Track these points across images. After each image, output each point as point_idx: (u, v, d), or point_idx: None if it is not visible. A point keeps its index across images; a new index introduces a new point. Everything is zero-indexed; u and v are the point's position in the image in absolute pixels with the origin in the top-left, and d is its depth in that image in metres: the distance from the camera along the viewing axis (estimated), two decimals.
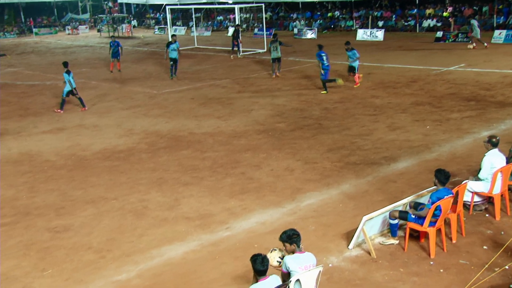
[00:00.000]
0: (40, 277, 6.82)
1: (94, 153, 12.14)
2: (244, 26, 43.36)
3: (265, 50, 29.28)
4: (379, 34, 33.48)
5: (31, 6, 56.79)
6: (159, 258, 7.17)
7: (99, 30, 50.43)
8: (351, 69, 18.48)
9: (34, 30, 51.52)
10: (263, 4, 32.96)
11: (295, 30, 39.21)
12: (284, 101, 16.48)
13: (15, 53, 35.62)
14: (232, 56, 27.94)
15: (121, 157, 11.81)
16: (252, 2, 40.69)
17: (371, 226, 7.18)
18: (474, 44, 25.74)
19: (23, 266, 7.14)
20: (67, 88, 16.25)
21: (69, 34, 51.65)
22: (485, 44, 25.20)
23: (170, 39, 21.89)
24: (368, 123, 13.52)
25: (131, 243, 7.65)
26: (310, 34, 37.30)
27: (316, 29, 38.22)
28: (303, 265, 5.30)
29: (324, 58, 17.52)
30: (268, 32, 36.41)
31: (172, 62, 21.58)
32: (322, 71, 17.46)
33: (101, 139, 13.33)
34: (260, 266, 4.98)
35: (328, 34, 38.49)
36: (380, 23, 38.02)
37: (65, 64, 16.52)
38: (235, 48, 28.37)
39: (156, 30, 48.46)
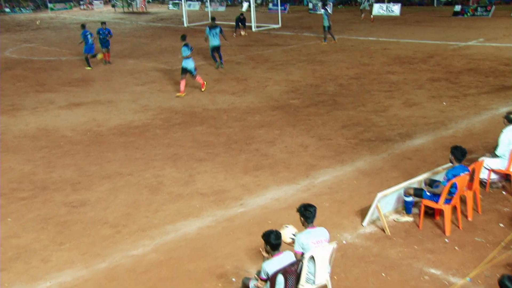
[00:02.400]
0: (58, 250, 6.95)
1: (110, 129, 12.22)
2: (259, 1, 42.88)
3: (280, 25, 29.01)
4: (396, 9, 32.94)
5: None
6: (175, 233, 7.25)
7: (113, 6, 50.29)
8: (182, 71, 14.97)
9: (49, 5, 51.50)
10: None
11: (310, 5, 38.70)
12: (298, 77, 16.36)
13: (31, 29, 35.70)
14: (242, 33, 27.46)
15: (136, 132, 11.87)
16: None
17: (386, 203, 7.17)
18: None
19: (41, 239, 7.27)
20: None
21: (84, 9, 51.56)
22: None
23: (211, 22, 18.96)
24: (384, 99, 13.39)
25: (146, 218, 7.74)
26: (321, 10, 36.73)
27: (331, 4, 37.63)
28: (315, 240, 5.30)
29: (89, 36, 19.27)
30: (283, 7, 36.04)
31: (214, 51, 18.52)
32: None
33: (117, 114, 13.40)
34: (273, 240, 5.01)
35: (344, 9, 37.90)
36: None
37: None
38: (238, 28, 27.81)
39: (170, 5, 48.16)
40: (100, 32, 20.48)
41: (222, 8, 43.77)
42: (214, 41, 18.05)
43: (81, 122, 12.86)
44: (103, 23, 21.37)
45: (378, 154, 9.80)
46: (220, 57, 18.56)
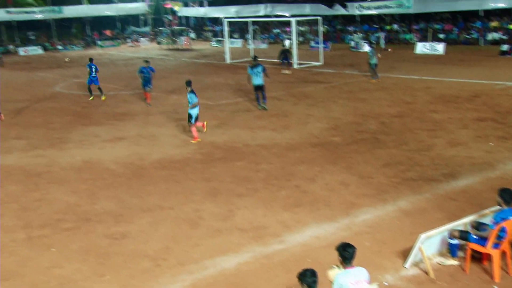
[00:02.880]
0: (98, 282, 7.01)
1: (151, 162, 12.43)
2: (301, 39, 43.44)
3: (322, 63, 29.20)
4: (440, 47, 32.68)
5: (96, 20, 59.31)
6: (213, 268, 7.22)
7: (159, 43, 51.88)
8: (189, 118, 14.23)
9: (99, 42, 53.66)
10: (320, 18, 32.90)
11: (352, 43, 38.89)
12: (339, 114, 16.32)
13: (81, 65, 37.12)
14: (286, 71, 27.55)
15: (177, 166, 12.02)
16: (309, 15, 40.77)
17: (429, 244, 6.95)
18: None
19: (83, 270, 7.36)
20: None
21: (130, 46, 53.43)
22: None
23: (253, 61, 17.87)
24: (427, 138, 13.16)
25: (185, 252, 7.75)
26: (367, 47, 36.83)
27: (383, 39, 37.70)
28: (354, 280, 5.17)
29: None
30: (325, 45, 36.36)
31: (257, 90, 17.67)
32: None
33: (158, 148, 13.64)
34: (309, 278, 4.90)
35: (386, 47, 37.89)
36: (441, 36, 37.09)
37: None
38: (284, 64, 27.92)
39: (213, 42, 49.35)
40: (144, 70, 19.72)
41: (264, 46, 44.51)
42: (257, 80, 17.37)
43: (124, 155, 13.14)
44: (146, 61, 20.48)
45: (421, 194, 9.58)
46: (264, 97, 17.70)
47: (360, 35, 41.32)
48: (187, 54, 41.29)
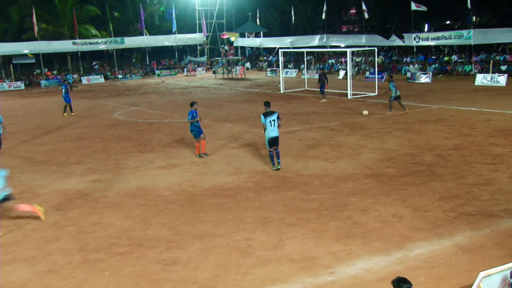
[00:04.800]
0: None
1: (204, 190, 12.57)
2: (355, 69, 43.27)
3: (376, 93, 28.92)
4: (501, 79, 31.62)
5: (155, 50, 61.61)
6: None
7: (214, 72, 53.02)
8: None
9: (156, 72, 55.48)
10: (376, 48, 32.75)
11: (408, 74, 38.36)
12: (394, 146, 16.02)
13: (138, 93, 38.44)
14: (323, 100, 27.69)
15: (229, 194, 12.10)
16: (365, 46, 40.61)
17: (489, 283, 6.60)
18: None
19: None
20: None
21: (187, 75, 54.87)
22: None
23: (266, 107, 14.21)
24: (486, 172, 12.67)
25: (235, 281, 7.73)
26: (424, 78, 36.21)
27: (430, 73, 37.05)
28: None
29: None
30: (380, 76, 36.04)
31: (272, 145, 13.93)
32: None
33: (211, 176, 13.80)
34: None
35: (444, 79, 37.11)
36: (503, 68, 35.96)
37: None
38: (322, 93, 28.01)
39: (268, 72, 49.92)
40: (194, 114, 15.62)
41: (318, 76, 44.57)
42: (272, 131, 13.70)
43: (177, 182, 13.36)
44: (192, 104, 15.86)
45: (480, 230, 9.18)
46: (278, 155, 13.99)
47: (417, 66, 40.68)
48: (242, 84, 41.93)
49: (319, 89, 28.10)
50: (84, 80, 51.53)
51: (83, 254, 9.03)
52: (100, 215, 11.06)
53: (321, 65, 42.93)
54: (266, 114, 13.84)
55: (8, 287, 7.96)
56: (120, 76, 54.29)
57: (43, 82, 50.25)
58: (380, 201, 11.00)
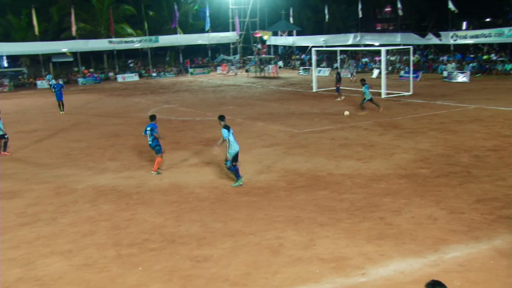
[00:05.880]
0: None
1: (234, 188, 12.59)
2: (390, 68, 42.65)
3: (411, 93, 28.45)
4: None
5: (189, 49, 62.14)
6: None
7: (247, 70, 53.11)
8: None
9: (190, 70, 55.98)
10: (411, 47, 32.17)
11: (445, 73, 37.57)
12: (428, 146, 15.71)
13: (171, 91, 38.83)
14: (338, 99, 27.86)
15: (260, 193, 12.10)
16: (400, 45, 39.97)
17: None
18: None
19: None
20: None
21: (220, 74, 55.15)
22: None
23: (221, 121, 12.85)
24: None
25: (265, 279, 7.71)
26: (461, 78, 35.39)
27: (468, 72, 36.19)
28: None
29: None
30: (415, 75, 35.41)
31: (235, 159, 12.68)
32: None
33: (242, 174, 13.79)
34: None
35: (482, 78, 36.20)
36: None
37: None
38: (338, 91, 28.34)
39: (301, 71, 49.70)
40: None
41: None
42: (237, 146, 12.74)
43: (209, 180, 13.43)
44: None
45: None
46: (237, 172, 12.87)
47: (454, 65, 39.80)
48: (274, 82, 41.88)
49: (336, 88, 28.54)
50: (119, 78, 52.41)
51: (117, 249, 9.17)
52: (133, 211, 11.22)
53: (336, 64, 42.67)
54: (228, 128, 12.58)
55: (47, 279, 8.15)
56: (154, 74, 55.00)
57: (80, 80, 51.40)
58: (414, 202, 10.80)
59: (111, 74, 55.02)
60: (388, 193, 11.48)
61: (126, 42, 55.13)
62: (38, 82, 49.47)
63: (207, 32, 59.18)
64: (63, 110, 28.90)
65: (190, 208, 11.30)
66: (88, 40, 52.95)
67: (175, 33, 57.74)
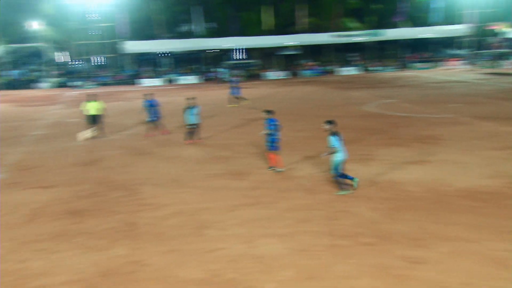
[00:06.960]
0: None
1: (456, 190, 11.76)
2: None
3: None
4: None
5: (411, 42, 59.97)
6: None
7: (477, 66, 49.11)
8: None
9: (412, 64, 54.08)
10: None
11: None
12: None
13: (391, 86, 38.00)
14: None
15: (486, 198, 11.07)
16: None
17: None
18: None
19: (376, 287, 7.45)
20: None
21: (444, 69, 52.09)
22: None
23: (332, 128, 11.65)
24: None
25: None
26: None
27: None
28: None
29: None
30: None
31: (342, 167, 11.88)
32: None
33: (464, 177, 12.82)
34: None
35: None
36: None
37: None
38: None
39: None
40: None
41: None
42: (342, 154, 11.73)
43: (426, 179, 12.77)
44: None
45: None
46: (341, 182, 12.03)
47: None
48: (508, 79, 37.88)
49: None
50: (342, 71, 53.34)
51: (330, 239, 9.34)
52: (347, 204, 11.27)
53: None
54: (336, 134, 11.56)
55: (266, 258, 8.68)
56: (375, 68, 54.58)
57: (304, 72, 53.91)
58: None
59: (332, 67, 56.27)
60: None
61: (349, 35, 55.82)
62: (268, 74, 53.47)
63: (433, 25, 56.29)
64: (237, 104, 29.50)
65: (404, 206, 10.91)
66: (312, 33, 55.00)
67: (399, 26, 56.27)
